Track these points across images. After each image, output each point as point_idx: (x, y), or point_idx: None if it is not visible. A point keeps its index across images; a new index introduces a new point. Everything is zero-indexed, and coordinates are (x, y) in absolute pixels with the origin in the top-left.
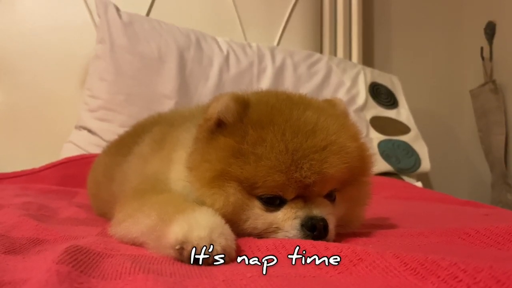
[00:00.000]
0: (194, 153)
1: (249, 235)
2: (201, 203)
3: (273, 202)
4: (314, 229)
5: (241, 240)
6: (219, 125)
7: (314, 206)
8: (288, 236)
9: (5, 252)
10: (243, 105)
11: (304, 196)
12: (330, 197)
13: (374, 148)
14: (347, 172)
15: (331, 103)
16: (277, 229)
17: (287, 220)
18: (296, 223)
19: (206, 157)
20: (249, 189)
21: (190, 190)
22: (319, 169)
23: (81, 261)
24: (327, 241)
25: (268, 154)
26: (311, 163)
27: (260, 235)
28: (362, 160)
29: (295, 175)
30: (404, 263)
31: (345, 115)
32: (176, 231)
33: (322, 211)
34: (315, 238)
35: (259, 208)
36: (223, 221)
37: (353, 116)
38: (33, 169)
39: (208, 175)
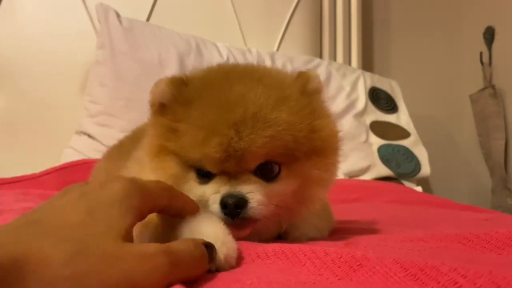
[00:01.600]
0: (148, 135)
1: None
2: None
3: (204, 175)
4: (227, 207)
5: (240, 246)
6: (161, 107)
7: (237, 183)
8: (212, 210)
9: None
10: (178, 85)
11: (229, 171)
12: (269, 172)
13: (374, 153)
14: (275, 146)
15: (300, 74)
16: (206, 203)
17: (211, 194)
18: (217, 198)
19: (151, 135)
20: (185, 162)
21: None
22: (227, 144)
23: None
24: (250, 218)
25: (188, 130)
26: (220, 138)
27: None
28: (310, 135)
29: (205, 150)
30: (404, 268)
31: (307, 87)
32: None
33: (243, 189)
34: (227, 215)
35: (194, 180)
36: (226, 230)
37: (353, 120)
38: (33, 174)
39: (150, 149)
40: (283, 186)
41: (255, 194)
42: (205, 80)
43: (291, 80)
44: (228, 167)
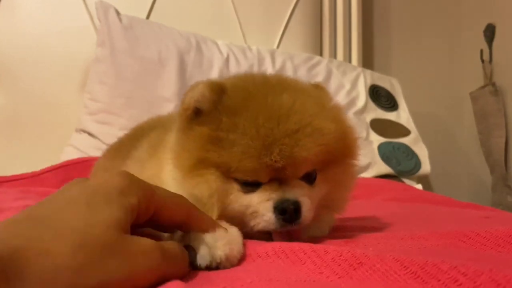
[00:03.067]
0: (175, 144)
1: (230, 221)
2: (189, 195)
3: (250, 184)
4: (285, 212)
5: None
6: (197, 114)
7: (288, 189)
8: (264, 219)
9: None
10: (218, 92)
11: (279, 179)
12: (310, 177)
13: (374, 151)
14: (324, 153)
15: (317, 87)
16: (254, 213)
17: (262, 202)
18: (270, 205)
19: (185, 146)
20: (227, 173)
21: (181, 189)
22: (290, 153)
23: None
24: (301, 223)
25: (240, 139)
26: (281, 147)
27: (239, 221)
28: (344, 141)
29: (265, 159)
30: (405, 266)
31: (328, 98)
32: None
33: (296, 193)
34: (286, 221)
35: (237, 190)
36: (236, 230)
37: (353, 118)
38: (33, 172)
39: (187, 163)
40: (319, 190)
41: (305, 198)
42: (246, 89)
43: (317, 90)
44: (280, 175)
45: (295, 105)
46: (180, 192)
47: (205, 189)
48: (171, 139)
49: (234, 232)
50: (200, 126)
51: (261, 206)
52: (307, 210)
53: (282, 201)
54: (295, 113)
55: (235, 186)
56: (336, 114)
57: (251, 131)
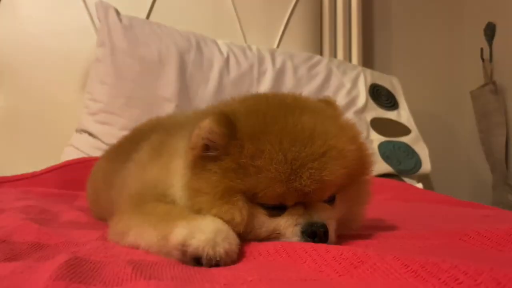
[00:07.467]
0: (193, 179)
1: (250, 240)
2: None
3: (275, 208)
4: (315, 236)
5: (242, 244)
6: (209, 150)
7: (314, 212)
8: (290, 241)
9: (5, 259)
10: (227, 123)
11: (304, 202)
12: (330, 198)
13: (374, 149)
14: (347, 176)
15: (328, 103)
16: (279, 235)
17: (289, 227)
18: (297, 230)
19: (206, 180)
20: (251, 198)
21: (188, 201)
22: (319, 177)
23: (79, 273)
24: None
25: (268, 165)
26: (310, 171)
27: (262, 241)
28: (361, 161)
29: (295, 184)
30: (405, 265)
31: (341, 115)
32: (181, 233)
33: (322, 216)
34: (315, 243)
35: (263, 214)
36: (228, 227)
37: (353, 117)
38: (34, 172)
39: (214, 195)
40: (339, 210)
41: (330, 220)
42: (262, 112)
43: (328, 106)
44: (306, 198)
45: (317, 127)
46: (184, 203)
47: (238, 215)
48: (182, 150)
49: (226, 227)
50: (217, 161)
51: (287, 230)
52: (333, 232)
53: (310, 224)
54: (319, 136)
55: (260, 210)
56: (353, 133)
57: (278, 155)
